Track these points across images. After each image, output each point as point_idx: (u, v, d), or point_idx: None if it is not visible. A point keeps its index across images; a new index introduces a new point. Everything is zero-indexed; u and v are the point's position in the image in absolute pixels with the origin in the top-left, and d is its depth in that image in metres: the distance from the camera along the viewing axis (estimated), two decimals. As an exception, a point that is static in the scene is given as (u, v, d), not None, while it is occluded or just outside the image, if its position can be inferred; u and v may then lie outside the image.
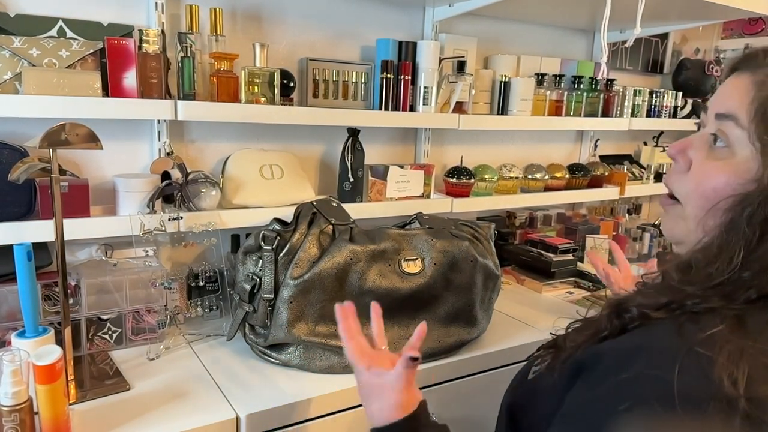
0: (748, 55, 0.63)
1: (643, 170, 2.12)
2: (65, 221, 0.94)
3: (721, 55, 2.45)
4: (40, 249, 1.11)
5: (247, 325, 1.12)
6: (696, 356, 0.51)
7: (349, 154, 1.44)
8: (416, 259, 1.12)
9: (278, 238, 1.07)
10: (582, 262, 1.81)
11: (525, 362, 0.76)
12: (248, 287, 1.09)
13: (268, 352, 1.10)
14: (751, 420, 0.47)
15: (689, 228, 0.63)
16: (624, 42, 1.72)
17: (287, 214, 1.19)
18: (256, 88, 1.25)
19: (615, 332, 0.61)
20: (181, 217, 1.18)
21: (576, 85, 1.83)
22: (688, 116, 2.17)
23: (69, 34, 1.13)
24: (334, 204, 1.17)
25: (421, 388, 1.13)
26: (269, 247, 1.06)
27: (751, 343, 0.51)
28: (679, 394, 0.49)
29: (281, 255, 1.07)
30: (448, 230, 1.19)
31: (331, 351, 1.07)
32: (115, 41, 1.11)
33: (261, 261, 1.08)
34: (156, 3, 1.23)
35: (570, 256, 1.68)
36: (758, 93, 0.59)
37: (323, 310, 1.07)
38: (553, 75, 1.80)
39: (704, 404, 0.48)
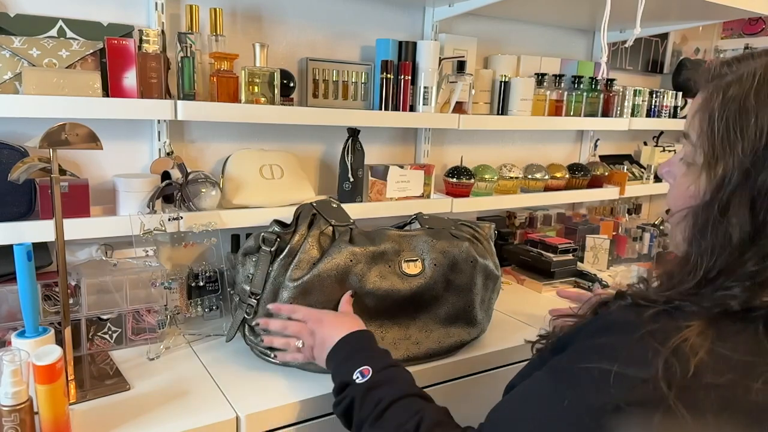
0: (704, 70, 0.66)
1: (643, 170, 2.13)
2: (65, 221, 0.94)
3: (721, 55, 2.45)
4: (40, 249, 1.11)
5: (246, 326, 1.12)
6: (647, 341, 0.55)
7: (349, 154, 1.44)
8: (416, 260, 1.12)
9: (278, 240, 1.07)
10: (582, 261, 1.81)
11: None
12: (248, 288, 1.09)
13: (268, 352, 1.10)
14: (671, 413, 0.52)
15: (673, 237, 0.68)
16: (624, 42, 1.72)
17: (287, 215, 1.19)
18: (256, 88, 1.25)
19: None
20: (181, 217, 1.18)
21: (576, 85, 1.83)
22: (688, 116, 2.16)
23: (69, 34, 1.13)
24: (334, 205, 1.17)
25: (421, 389, 1.13)
26: (268, 249, 1.06)
27: (708, 343, 0.54)
28: (616, 375, 0.55)
29: (282, 257, 1.06)
30: (448, 231, 1.19)
31: None
32: (115, 41, 1.11)
33: (260, 262, 1.08)
34: (156, 3, 1.23)
35: (570, 256, 1.68)
36: (702, 111, 0.62)
37: None
38: (553, 75, 1.80)
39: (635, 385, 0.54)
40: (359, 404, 0.82)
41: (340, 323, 0.97)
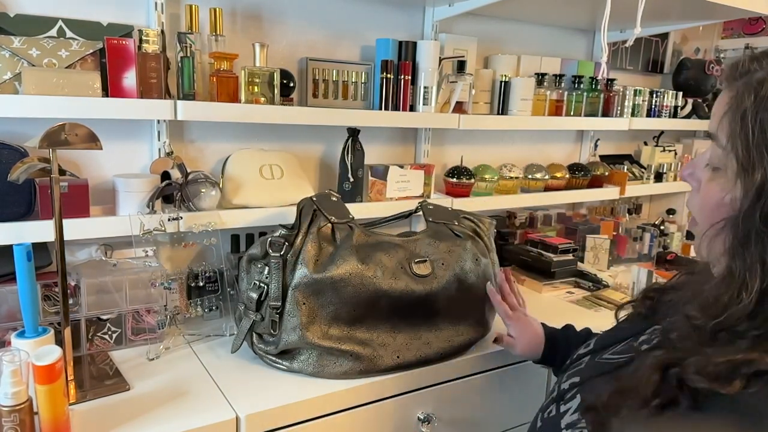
0: (730, 66, 0.61)
1: (643, 170, 2.12)
2: (65, 221, 0.94)
3: (722, 55, 2.44)
4: (40, 249, 1.11)
5: (254, 335, 1.09)
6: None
7: (349, 154, 1.43)
8: (425, 260, 1.12)
9: (286, 243, 1.05)
10: (582, 261, 1.81)
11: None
12: (255, 296, 1.05)
13: (280, 361, 1.07)
14: None
15: (703, 246, 0.62)
16: (624, 42, 1.72)
17: (287, 214, 1.19)
18: (255, 88, 1.25)
19: (671, 401, 0.55)
20: (181, 217, 1.17)
21: (576, 85, 1.82)
22: (688, 116, 2.16)
23: (69, 34, 1.13)
24: (334, 198, 1.14)
25: (420, 389, 1.13)
26: (277, 254, 1.04)
27: None
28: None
29: (289, 255, 1.05)
30: (449, 229, 1.19)
31: (344, 356, 1.04)
32: (115, 41, 1.11)
33: (268, 268, 1.05)
34: (156, 3, 1.22)
35: (570, 256, 1.68)
36: (731, 111, 0.58)
37: (335, 313, 1.04)
38: (553, 75, 1.79)
39: None
40: None
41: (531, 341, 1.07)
